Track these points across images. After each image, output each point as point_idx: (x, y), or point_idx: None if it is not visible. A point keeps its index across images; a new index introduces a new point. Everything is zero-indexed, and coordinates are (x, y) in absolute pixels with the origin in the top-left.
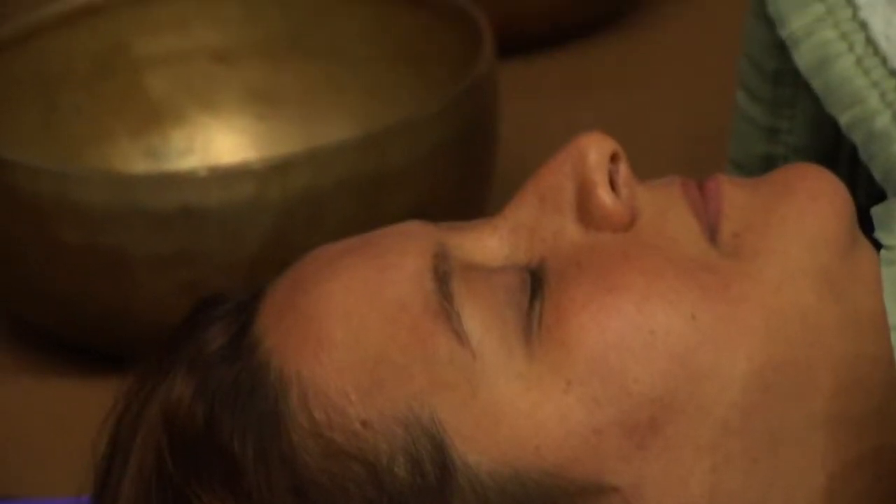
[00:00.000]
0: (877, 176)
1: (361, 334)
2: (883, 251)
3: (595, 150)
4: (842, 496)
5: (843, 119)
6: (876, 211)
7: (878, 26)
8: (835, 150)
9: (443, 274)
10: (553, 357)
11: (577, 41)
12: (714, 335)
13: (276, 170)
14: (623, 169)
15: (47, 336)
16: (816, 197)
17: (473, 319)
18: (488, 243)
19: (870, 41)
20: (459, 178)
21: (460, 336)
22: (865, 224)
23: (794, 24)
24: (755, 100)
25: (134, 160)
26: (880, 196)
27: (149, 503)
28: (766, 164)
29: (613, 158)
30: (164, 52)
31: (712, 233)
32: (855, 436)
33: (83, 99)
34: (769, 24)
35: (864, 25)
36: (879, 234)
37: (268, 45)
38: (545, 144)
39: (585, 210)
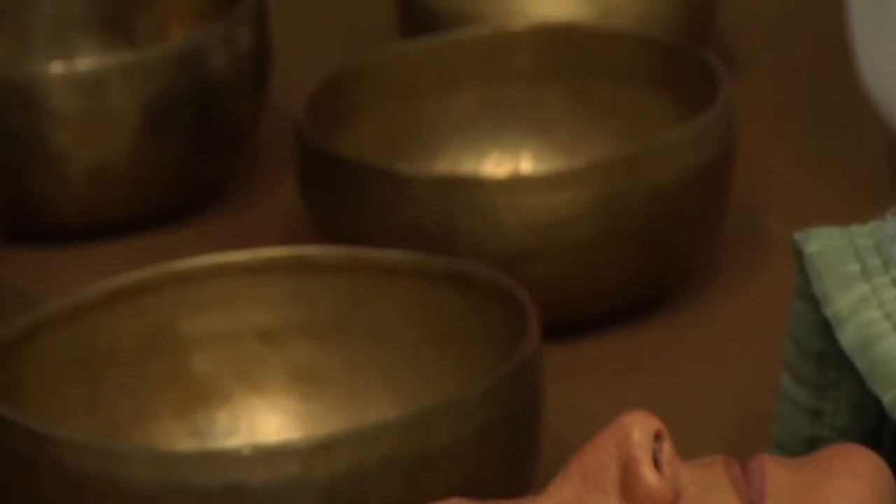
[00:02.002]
0: None
1: None
2: None
3: (639, 428)
4: None
5: (887, 398)
6: None
7: None
8: (879, 429)
9: None
10: None
11: (622, 324)
12: None
13: (320, 449)
14: (667, 448)
15: None
16: (860, 478)
17: None
18: None
19: None
20: (504, 458)
21: None
22: None
23: (839, 303)
24: (799, 382)
25: (178, 439)
26: None
27: None
28: (810, 446)
29: (657, 437)
30: (210, 331)
31: None
32: None
33: (128, 377)
34: (814, 304)
35: None
36: None
37: (313, 325)
38: (590, 426)
39: (629, 488)
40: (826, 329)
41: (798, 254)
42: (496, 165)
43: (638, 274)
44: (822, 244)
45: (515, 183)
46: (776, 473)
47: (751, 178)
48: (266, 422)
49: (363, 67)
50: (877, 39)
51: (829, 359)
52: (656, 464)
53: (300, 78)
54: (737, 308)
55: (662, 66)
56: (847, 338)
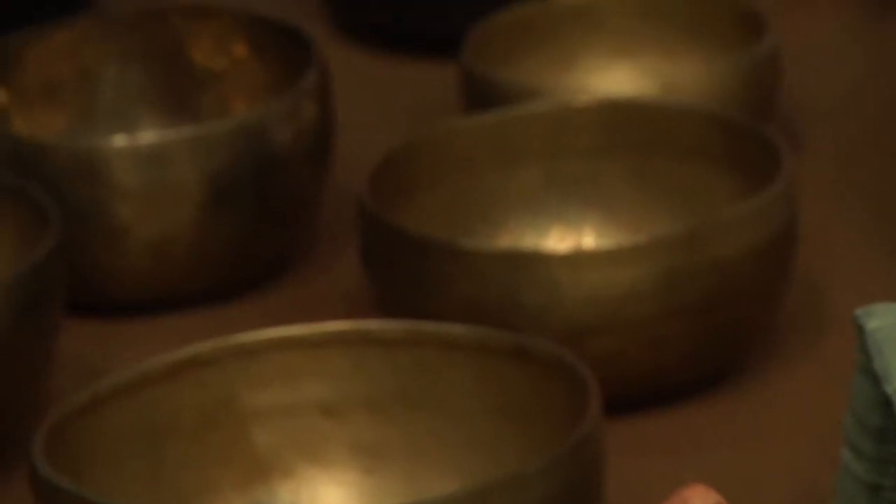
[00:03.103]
0: None
1: None
2: None
3: (699, 502)
4: None
5: None
6: None
7: None
8: None
9: None
10: None
11: (683, 399)
12: None
13: None
14: None
15: None
16: None
17: None
18: None
19: None
20: None
21: None
22: None
23: None
24: (859, 456)
25: None
26: None
27: None
28: None
29: None
30: (272, 404)
31: None
32: None
33: (190, 450)
34: (875, 380)
35: None
36: None
37: (375, 399)
38: (650, 501)
39: None
40: (886, 405)
41: (859, 329)
42: (558, 240)
43: (699, 349)
44: (884, 320)
45: (578, 258)
46: None
47: (813, 253)
48: (327, 495)
49: (426, 142)
50: None
51: (889, 434)
52: None
53: (363, 151)
54: (798, 383)
55: (725, 141)
56: None
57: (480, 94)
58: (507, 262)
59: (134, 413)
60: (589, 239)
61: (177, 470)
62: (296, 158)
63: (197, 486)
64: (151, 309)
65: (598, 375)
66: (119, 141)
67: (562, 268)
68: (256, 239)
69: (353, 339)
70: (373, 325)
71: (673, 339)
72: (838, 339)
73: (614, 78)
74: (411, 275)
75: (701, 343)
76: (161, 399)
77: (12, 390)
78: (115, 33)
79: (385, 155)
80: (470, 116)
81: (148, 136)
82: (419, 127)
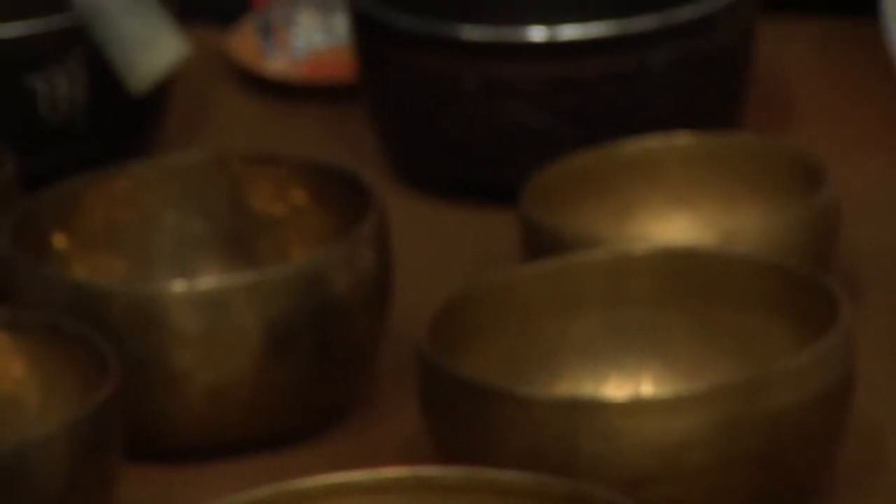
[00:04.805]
0: None
1: None
2: None
3: None
4: None
5: None
6: None
7: None
8: None
9: None
10: None
11: None
12: None
13: None
14: None
15: None
16: None
17: None
18: None
19: None
20: None
21: None
22: None
23: None
24: None
25: None
26: None
27: None
28: None
29: None
30: None
31: None
32: None
33: None
34: None
35: None
36: None
37: None
38: None
39: None
40: None
41: None
42: (616, 388)
43: (757, 498)
44: None
45: (637, 406)
46: None
47: (870, 403)
48: None
49: (485, 289)
50: None
51: None
52: None
53: (421, 298)
54: None
55: (783, 290)
56: None
57: (539, 242)
58: (565, 410)
59: None
60: (647, 387)
61: None
62: (354, 305)
63: None
64: (209, 454)
65: None
66: (178, 287)
67: (620, 416)
68: (314, 385)
69: (410, 485)
70: (431, 471)
71: (731, 488)
72: (894, 488)
73: (673, 226)
74: (469, 421)
75: (758, 491)
76: None
77: None
78: (175, 179)
79: (444, 302)
80: (528, 264)
81: (207, 282)
82: (478, 274)
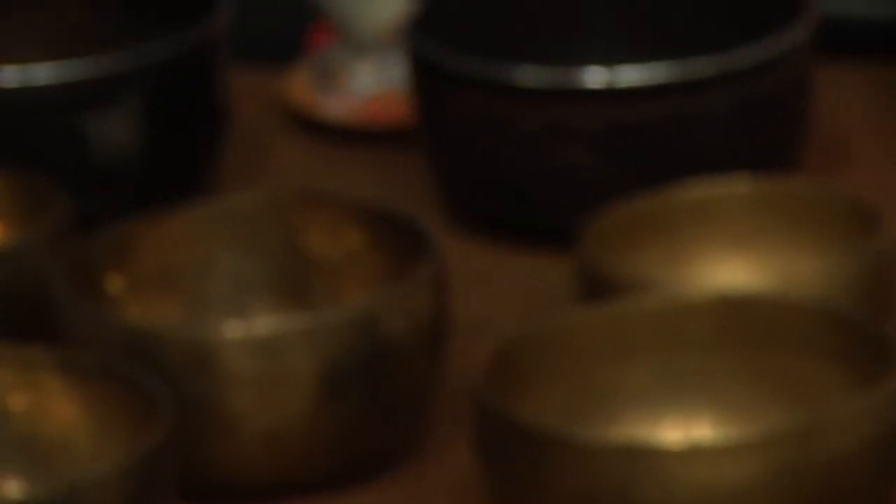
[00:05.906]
0: None
1: None
2: None
3: None
4: None
5: None
6: None
7: None
8: None
9: None
10: None
11: None
12: None
13: None
14: None
15: None
16: None
17: None
18: None
19: None
20: None
21: None
22: None
23: None
24: None
25: None
26: None
27: None
28: None
29: None
30: None
31: None
32: None
33: None
34: None
35: None
36: None
37: None
38: None
39: None
40: None
41: None
42: (671, 433)
43: None
44: None
45: (691, 452)
46: None
47: None
48: None
49: (540, 334)
50: None
51: None
52: None
53: (477, 342)
54: None
55: (838, 336)
56: None
57: (595, 286)
58: (620, 456)
59: None
60: (701, 432)
61: None
62: (409, 349)
63: None
64: (262, 497)
65: None
66: (233, 330)
67: (675, 462)
68: (368, 429)
69: None
70: None
71: None
72: None
73: (729, 271)
74: (524, 466)
75: None
76: None
77: None
78: (230, 221)
79: (499, 346)
80: (585, 309)
81: (262, 325)
82: (533, 318)
